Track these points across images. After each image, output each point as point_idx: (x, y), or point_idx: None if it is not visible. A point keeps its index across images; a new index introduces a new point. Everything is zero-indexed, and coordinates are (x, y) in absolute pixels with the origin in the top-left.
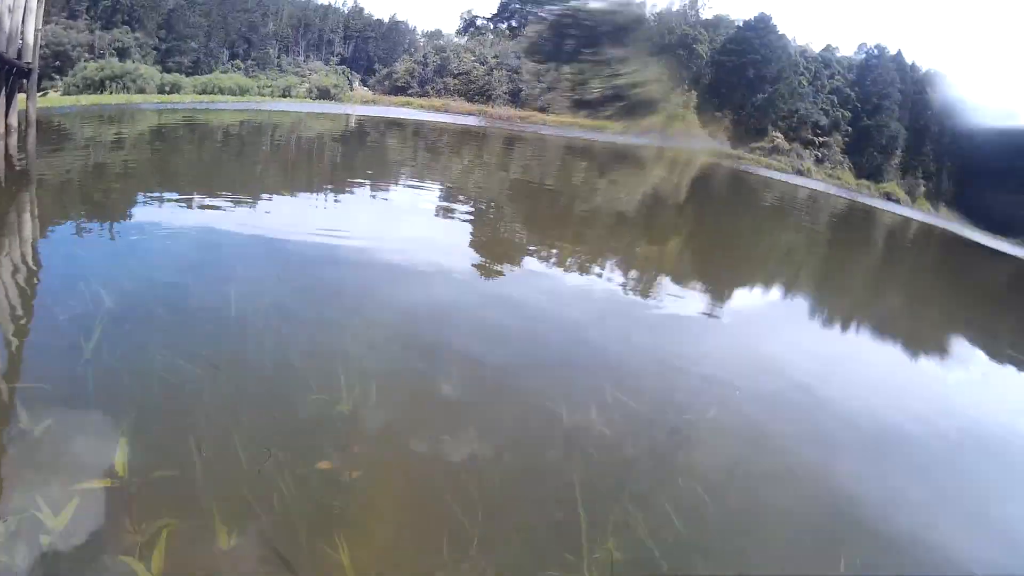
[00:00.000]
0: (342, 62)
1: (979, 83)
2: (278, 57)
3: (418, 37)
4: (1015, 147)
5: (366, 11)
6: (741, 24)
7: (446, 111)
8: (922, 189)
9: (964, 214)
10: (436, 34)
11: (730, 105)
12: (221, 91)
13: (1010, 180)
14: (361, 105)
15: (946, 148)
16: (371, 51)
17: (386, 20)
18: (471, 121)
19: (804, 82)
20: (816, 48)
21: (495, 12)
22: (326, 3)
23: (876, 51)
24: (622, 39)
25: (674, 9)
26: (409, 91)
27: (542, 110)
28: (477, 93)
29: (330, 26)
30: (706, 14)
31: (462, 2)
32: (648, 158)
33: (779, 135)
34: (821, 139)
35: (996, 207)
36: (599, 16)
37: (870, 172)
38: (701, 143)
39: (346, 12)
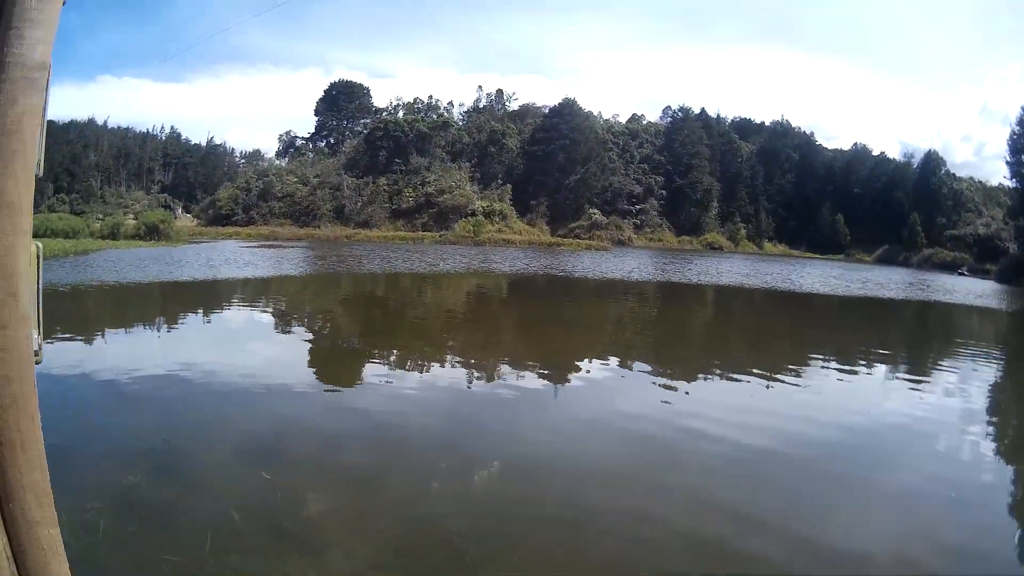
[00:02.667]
0: (163, 190)
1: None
2: (101, 188)
3: (237, 159)
4: (824, 174)
5: (184, 136)
6: (547, 111)
7: (275, 240)
8: (743, 232)
9: (788, 244)
10: (255, 155)
11: (545, 191)
12: (55, 233)
13: (824, 203)
14: (188, 244)
15: (761, 189)
16: (191, 177)
17: (204, 144)
18: (297, 257)
19: (614, 156)
20: (623, 118)
21: (313, 131)
22: (144, 130)
23: (681, 113)
24: (427, 146)
25: (481, 106)
26: (234, 218)
27: (365, 224)
28: (303, 214)
29: (149, 154)
30: (513, 106)
31: (280, 122)
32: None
33: (596, 211)
34: (638, 207)
35: (816, 230)
36: (407, 126)
37: (690, 228)
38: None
39: (163, 139)
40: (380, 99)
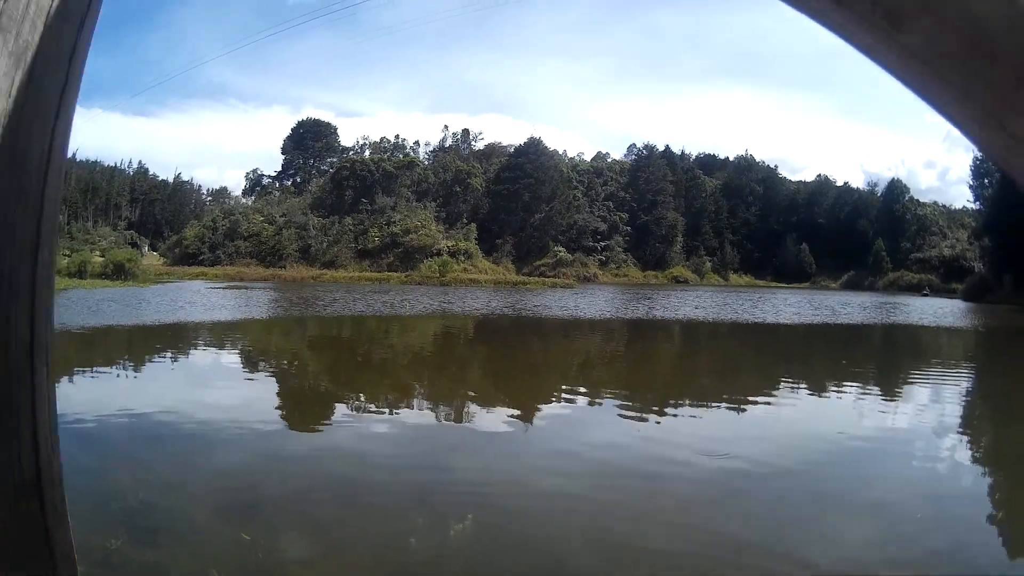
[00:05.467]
0: (130, 226)
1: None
2: (68, 224)
3: (204, 196)
4: (788, 205)
5: (151, 172)
6: (513, 150)
7: (241, 280)
8: (708, 265)
9: (754, 275)
10: (222, 192)
11: (510, 229)
12: None
13: (789, 234)
14: (155, 284)
15: (726, 223)
16: (158, 214)
17: (171, 180)
18: (264, 299)
19: (579, 194)
20: (588, 156)
21: (279, 170)
22: (112, 164)
23: (645, 150)
24: (393, 186)
25: (447, 145)
26: (200, 258)
27: (331, 264)
28: (269, 253)
29: (116, 189)
30: (479, 145)
31: (247, 160)
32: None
33: (561, 249)
34: (603, 243)
35: (781, 260)
36: (373, 165)
37: (655, 262)
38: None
39: (131, 174)
40: (347, 138)
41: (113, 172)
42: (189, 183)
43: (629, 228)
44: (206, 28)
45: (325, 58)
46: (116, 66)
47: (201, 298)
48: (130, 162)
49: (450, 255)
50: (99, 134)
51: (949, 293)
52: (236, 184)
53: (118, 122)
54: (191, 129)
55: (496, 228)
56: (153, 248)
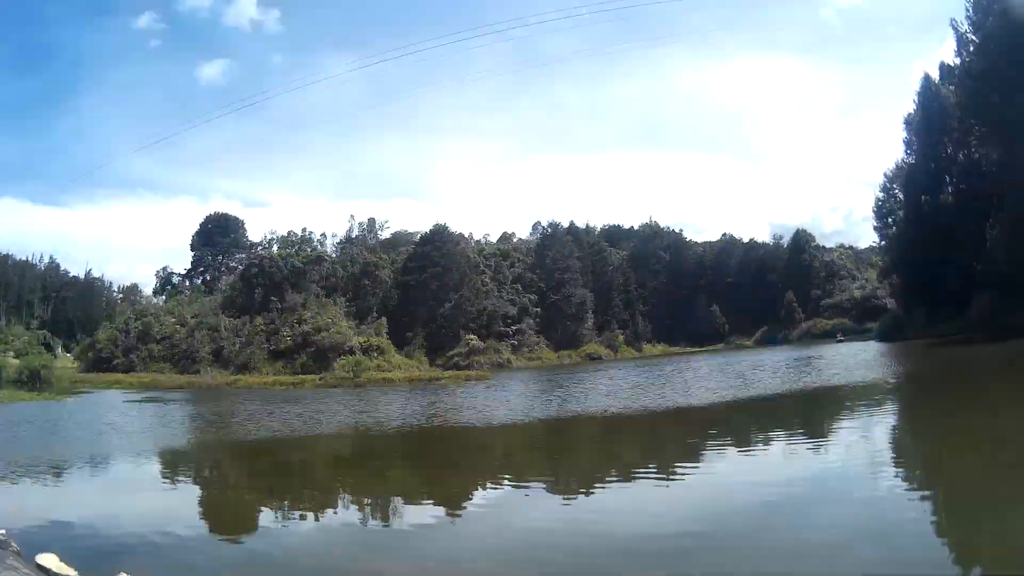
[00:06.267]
0: (43, 325)
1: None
2: None
3: (115, 294)
4: (696, 268)
5: (62, 267)
6: (419, 239)
7: (157, 388)
8: (620, 338)
9: (668, 343)
10: (133, 289)
11: (420, 321)
12: None
13: (699, 297)
14: (72, 396)
15: (635, 294)
16: (70, 313)
17: (82, 276)
18: (181, 415)
19: (487, 279)
20: (494, 237)
21: (189, 267)
22: (24, 258)
23: (550, 228)
24: (303, 282)
25: (354, 235)
26: (115, 362)
27: (245, 367)
28: (183, 357)
29: (28, 285)
30: (385, 234)
31: (157, 254)
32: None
33: (473, 337)
34: (514, 327)
35: (694, 324)
36: (281, 261)
37: (567, 341)
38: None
39: (43, 268)
40: (255, 232)
41: (24, 267)
42: (100, 280)
43: (539, 309)
44: (116, 112)
45: (230, 147)
46: (24, 152)
47: (120, 418)
48: (41, 256)
49: (363, 352)
50: (9, 223)
51: (863, 334)
52: (147, 279)
53: (29, 211)
54: (100, 221)
55: (407, 320)
56: (67, 349)
